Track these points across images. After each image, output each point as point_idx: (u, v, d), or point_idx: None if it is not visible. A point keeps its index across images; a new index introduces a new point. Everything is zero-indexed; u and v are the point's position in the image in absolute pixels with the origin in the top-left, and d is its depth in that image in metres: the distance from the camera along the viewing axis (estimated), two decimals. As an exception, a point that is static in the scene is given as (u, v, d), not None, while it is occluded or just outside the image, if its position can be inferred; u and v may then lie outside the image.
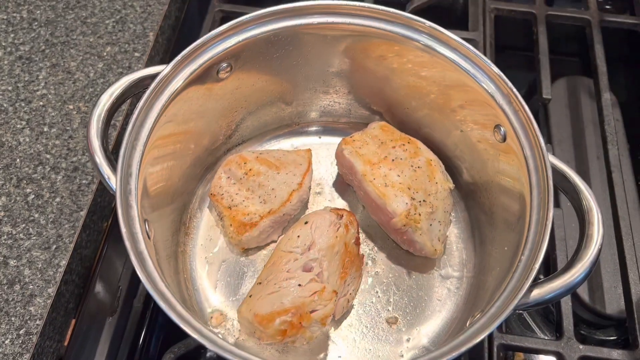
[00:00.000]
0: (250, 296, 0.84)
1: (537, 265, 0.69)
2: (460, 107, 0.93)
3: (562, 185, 0.81)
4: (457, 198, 1.04)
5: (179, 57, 0.83)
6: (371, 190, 0.93)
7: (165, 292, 0.68)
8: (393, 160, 0.96)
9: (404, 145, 0.98)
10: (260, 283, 0.85)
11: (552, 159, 0.79)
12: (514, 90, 0.83)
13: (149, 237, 0.75)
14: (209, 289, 0.95)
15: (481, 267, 0.94)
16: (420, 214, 0.91)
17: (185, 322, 0.66)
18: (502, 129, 0.85)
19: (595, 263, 0.72)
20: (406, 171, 0.95)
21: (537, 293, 0.70)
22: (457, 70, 0.90)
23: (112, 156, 0.80)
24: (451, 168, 1.03)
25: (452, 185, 0.97)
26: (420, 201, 0.93)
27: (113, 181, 0.76)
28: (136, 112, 0.78)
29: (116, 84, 0.82)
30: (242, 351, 0.68)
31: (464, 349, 0.65)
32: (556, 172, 0.80)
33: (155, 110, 0.81)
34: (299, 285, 0.83)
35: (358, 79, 1.05)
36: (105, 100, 0.81)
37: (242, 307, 0.83)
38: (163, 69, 0.82)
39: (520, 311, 0.91)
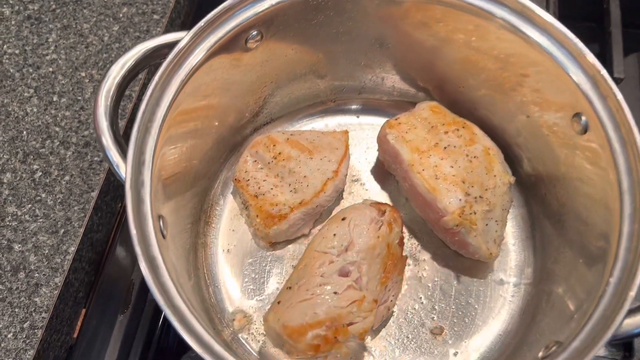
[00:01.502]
0: (278, 303, 0.74)
1: (632, 293, 0.56)
2: (530, 89, 0.79)
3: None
4: (514, 191, 0.90)
5: (201, 24, 0.70)
6: (419, 184, 0.81)
7: (181, 307, 0.57)
8: (445, 148, 0.83)
9: (457, 130, 0.85)
10: (290, 288, 0.75)
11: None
12: (603, 71, 0.68)
13: (163, 236, 0.64)
14: (232, 286, 0.85)
15: (543, 275, 0.82)
16: (475, 213, 0.79)
17: (205, 349, 0.55)
18: (582, 118, 0.71)
19: None
20: (460, 161, 0.82)
21: (629, 323, 0.58)
22: (527, 43, 0.75)
23: (122, 139, 0.68)
24: (510, 157, 0.89)
25: (512, 179, 0.84)
26: (476, 197, 0.80)
27: (123, 169, 0.64)
28: (150, 88, 0.66)
29: (128, 53, 0.70)
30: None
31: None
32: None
33: (174, 86, 0.69)
34: (335, 293, 0.72)
35: (405, 51, 0.91)
36: (116, 72, 0.70)
37: (270, 316, 0.73)
38: (183, 37, 0.69)
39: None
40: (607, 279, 0.60)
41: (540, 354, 0.64)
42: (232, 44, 0.75)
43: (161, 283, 0.58)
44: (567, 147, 0.77)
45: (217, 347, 0.56)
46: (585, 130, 0.71)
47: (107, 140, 0.66)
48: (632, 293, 0.57)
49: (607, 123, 0.68)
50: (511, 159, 0.89)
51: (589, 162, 0.72)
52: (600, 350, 0.88)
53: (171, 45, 0.70)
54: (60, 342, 0.90)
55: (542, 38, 0.73)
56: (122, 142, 0.68)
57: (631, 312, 0.59)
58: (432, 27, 0.83)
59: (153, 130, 0.66)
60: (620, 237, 0.61)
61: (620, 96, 0.67)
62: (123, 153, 0.66)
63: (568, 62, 0.72)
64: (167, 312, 0.55)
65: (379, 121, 0.96)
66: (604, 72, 0.68)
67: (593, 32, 1.15)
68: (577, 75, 0.71)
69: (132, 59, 0.70)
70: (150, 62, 0.73)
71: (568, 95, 0.72)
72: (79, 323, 0.93)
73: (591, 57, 0.70)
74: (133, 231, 0.58)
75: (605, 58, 1.07)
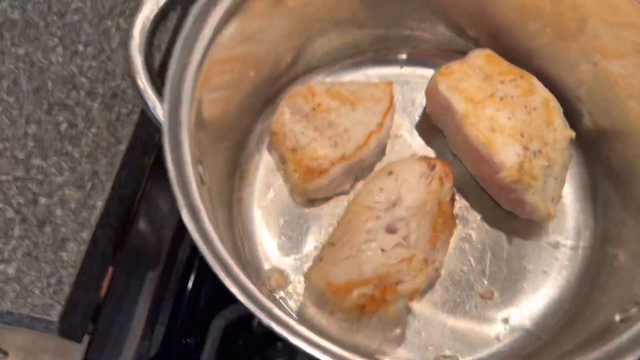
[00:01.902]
0: (321, 260, 0.69)
1: None
2: (600, 34, 0.72)
3: None
4: (572, 149, 0.84)
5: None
6: (473, 136, 0.75)
7: (225, 257, 0.52)
8: (502, 98, 0.77)
9: (515, 80, 0.78)
10: (333, 244, 0.70)
11: None
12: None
13: (202, 183, 0.59)
14: (268, 243, 0.80)
15: (605, 238, 0.76)
16: (534, 169, 0.73)
17: (254, 302, 0.51)
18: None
19: None
20: (518, 113, 0.75)
21: None
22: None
23: (158, 80, 0.63)
24: (568, 112, 0.81)
25: (573, 134, 0.77)
26: (535, 152, 0.74)
27: (159, 111, 0.59)
28: (190, 20, 0.60)
29: (163, -14, 0.64)
30: (313, 334, 0.53)
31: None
32: None
33: (213, 21, 0.63)
34: (382, 250, 0.67)
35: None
36: (150, 8, 0.64)
37: (313, 273, 0.68)
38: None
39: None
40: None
41: (617, 317, 0.58)
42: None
43: (203, 230, 0.53)
44: (641, 98, 0.70)
45: (262, 298, 0.51)
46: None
47: (142, 79, 0.61)
48: None
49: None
50: (570, 115, 0.81)
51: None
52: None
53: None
54: (88, 301, 0.86)
55: None
56: (157, 82, 0.62)
57: None
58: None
59: (191, 68, 0.60)
60: None
61: None
62: (159, 94, 0.61)
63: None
64: (210, 260, 0.51)
65: (424, 72, 0.90)
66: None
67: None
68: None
69: (166, -7, 0.64)
70: (186, -2, 0.67)
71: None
72: (107, 282, 0.90)
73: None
74: (172, 174, 0.53)
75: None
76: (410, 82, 0.91)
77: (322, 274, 0.66)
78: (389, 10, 0.87)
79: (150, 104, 0.60)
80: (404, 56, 0.93)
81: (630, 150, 0.74)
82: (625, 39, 0.71)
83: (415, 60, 0.93)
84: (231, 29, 0.69)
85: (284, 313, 0.54)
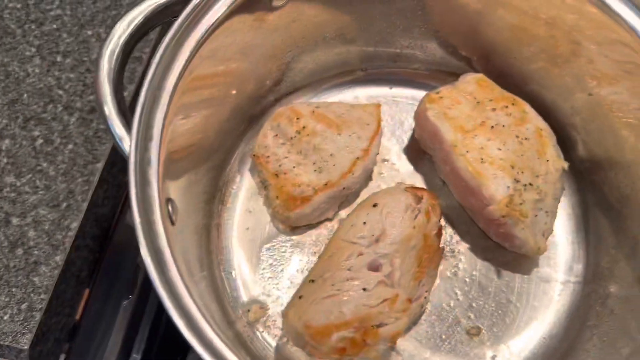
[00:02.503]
0: (300, 297, 0.66)
1: None
2: (589, 61, 0.68)
3: None
4: (565, 178, 0.81)
5: (220, -25, 0.60)
6: (462, 167, 0.71)
7: (190, 308, 0.49)
8: (492, 127, 0.73)
9: (507, 107, 0.75)
10: (313, 281, 0.66)
11: None
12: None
13: (172, 223, 0.55)
14: (248, 272, 0.77)
15: (597, 273, 0.73)
16: (525, 202, 0.70)
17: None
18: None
19: None
20: (509, 143, 0.72)
21: None
22: (599, 7, 0.65)
23: (127, 109, 0.59)
24: (562, 140, 0.79)
25: (565, 165, 0.74)
26: (525, 185, 0.70)
27: (127, 144, 0.56)
28: (160, 50, 0.57)
29: (137, 8, 0.61)
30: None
31: None
32: None
33: (187, 48, 0.59)
34: (364, 289, 0.64)
35: (448, 14, 0.80)
36: (122, 30, 0.60)
37: (290, 312, 0.65)
38: (198, -9, 0.59)
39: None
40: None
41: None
42: (255, 1, 0.65)
43: (167, 280, 0.50)
44: (636, 130, 0.66)
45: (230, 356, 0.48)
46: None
47: (110, 109, 0.57)
48: None
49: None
50: (564, 142, 0.79)
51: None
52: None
53: (185, 1, 0.60)
54: (62, 325, 0.83)
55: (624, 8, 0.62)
56: (127, 111, 0.59)
57: None
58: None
59: (163, 99, 0.57)
60: None
61: None
62: (128, 124, 0.57)
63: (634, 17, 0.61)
64: (173, 314, 0.47)
65: (414, 94, 0.86)
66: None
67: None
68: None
69: (140, 15, 0.61)
70: (162, 19, 0.64)
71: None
72: (82, 304, 0.87)
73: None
74: (137, 219, 0.50)
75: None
76: (400, 104, 0.88)
77: (300, 314, 0.63)
78: (378, 27, 0.83)
79: (117, 136, 0.56)
80: (393, 76, 0.89)
81: (624, 182, 0.71)
82: (616, 59, 0.67)
83: (405, 80, 0.89)
84: (210, 47, 0.65)
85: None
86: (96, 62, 0.58)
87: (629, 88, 0.68)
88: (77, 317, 0.85)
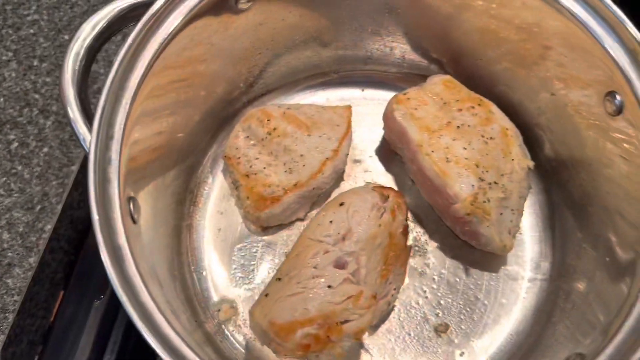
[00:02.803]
0: (266, 295, 0.66)
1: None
2: (557, 64, 0.70)
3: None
4: (532, 177, 0.82)
5: (182, -22, 0.61)
6: (428, 166, 0.73)
7: (147, 305, 0.50)
8: (458, 127, 0.74)
9: (473, 107, 0.76)
10: (279, 279, 0.67)
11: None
12: (646, 43, 0.59)
13: (134, 221, 0.56)
14: (218, 273, 0.78)
15: (562, 271, 0.74)
16: (489, 200, 0.71)
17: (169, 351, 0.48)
18: (617, 97, 0.62)
19: None
20: (475, 143, 0.73)
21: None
22: (556, 10, 0.66)
23: (91, 110, 0.60)
24: (529, 139, 0.80)
25: (531, 164, 0.76)
26: (490, 183, 0.72)
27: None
28: (121, 53, 0.58)
29: (100, 12, 0.62)
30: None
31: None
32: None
33: (150, 51, 0.60)
34: (329, 286, 0.65)
35: (418, 16, 0.82)
36: (86, 33, 0.61)
37: (256, 310, 0.65)
38: (160, -6, 0.60)
39: None
40: (641, 284, 0.52)
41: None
42: (220, 4, 0.67)
43: (125, 276, 0.50)
44: (597, 130, 0.68)
45: (186, 349, 0.49)
46: (619, 110, 0.62)
47: (74, 110, 0.58)
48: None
49: (646, 103, 0.59)
50: (531, 142, 0.80)
51: (622, 147, 0.63)
52: None
53: (147, 4, 0.61)
54: (36, 327, 0.83)
55: (575, 4, 0.64)
56: (91, 112, 0.59)
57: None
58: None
59: (124, 100, 0.58)
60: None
61: (665, 73, 0.58)
62: (91, 128, 0.58)
63: (604, 32, 0.62)
64: (128, 309, 0.48)
65: (385, 96, 0.87)
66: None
67: None
68: (614, 49, 0.61)
69: (104, 19, 0.62)
70: (126, 23, 0.65)
71: (602, 70, 0.63)
72: (57, 306, 0.87)
73: (632, 29, 0.60)
74: (95, 216, 0.51)
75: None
76: (372, 105, 0.89)
77: (265, 312, 0.64)
78: (348, 30, 0.85)
79: (81, 136, 0.57)
80: (365, 78, 0.90)
81: (586, 180, 0.73)
82: (586, 68, 0.69)
83: (377, 82, 0.91)
84: (175, 49, 0.66)
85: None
86: (61, 65, 0.59)
87: (599, 93, 0.69)
88: (52, 319, 0.86)
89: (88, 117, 0.59)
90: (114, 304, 0.82)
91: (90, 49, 0.60)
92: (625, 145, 0.63)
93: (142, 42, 0.60)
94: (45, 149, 0.89)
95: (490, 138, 0.74)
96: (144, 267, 0.54)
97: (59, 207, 0.85)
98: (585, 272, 0.70)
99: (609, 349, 0.50)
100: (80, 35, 0.60)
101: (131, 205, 0.56)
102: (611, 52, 0.62)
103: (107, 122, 0.56)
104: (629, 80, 0.60)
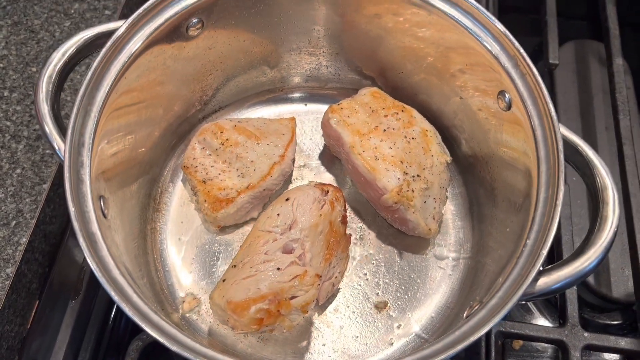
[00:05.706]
0: (223, 281, 0.76)
1: (544, 251, 0.61)
2: (461, 71, 0.83)
3: (573, 159, 0.72)
4: (454, 172, 0.95)
5: (139, 11, 0.73)
6: (360, 164, 0.84)
7: (119, 280, 0.59)
8: (385, 130, 0.87)
9: (397, 113, 0.89)
10: (235, 266, 0.77)
11: (563, 130, 0.70)
12: (522, 51, 0.73)
13: (104, 216, 0.66)
14: (182, 270, 0.87)
15: (480, 248, 0.86)
16: (413, 190, 0.83)
17: (141, 317, 0.58)
18: (506, 95, 0.76)
19: (610, 248, 0.64)
20: (399, 142, 0.86)
21: (543, 282, 0.62)
22: (457, 28, 0.80)
23: (64, 124, 0.70)
24: (449, 139, 0.94)
25: (449, 159, 0.88)
26: (413, 176, 0.84)
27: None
28: (89, 74, 0.68)
29: (70, 41, 0.72)
30: (207, 349, 0.60)
31: (460, 346, 0.57)
32: (567, 144, 0.71)
33: (112, 73, 0.71)
34: (278, 269, 0.75)
35: (348, 39, 0.95)
36: (57, 59, 0.71)
37: (215, 293, 0.75)
38: (120, 26, 0.71)
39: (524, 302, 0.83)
40: (525, 240, 0.64)
41: (465, 314, 0.68)
42: (172, 32, 0.78)
43: (99, 257, 0.60)
44: (496, 124, 0.81)
45: (167, 327, 0.58)
46: (509, 106, 0.76)
47: (49, 124, 0.67)
48: (545, 252, 0.61)
49: (527, 99, 0.72)
50: (450, 141, 0.94)
51: (514, 135, 0.77)
52: (540, 319, 0.94)
53: (110, 34, 0.72)
54: (14, 333, 0.90)
55: (454, 11, 0.78)
56: (63, 126, 0.69)
57: (546, 271, 0.63)
58: (383, 17, 0.87)
59: (93, 114, 0.68)
60: (537, 203, 0.66)
61: (537, 74, 0.72)
62: (65, 137, 0.68)
63: (492, 42, 0.76)
64: (106, 286, 0.57)
65: (326, 108, 1.00)
66: (520, 49, 0.73)
67: (536, 25, 1.22)
68: (500, 56, 0.75)
69: (73, 47, 0.72)
70: (92, 50, 0.75)
71: (493, 75, 0.77)
72: (32, 313, 0.94)
73: (512, 39, 0.74)
74: (71, 208, 0.60)
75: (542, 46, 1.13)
76: (314, 117, 1.01)
77: (222, 294, 0.73)
78: (287, 52, 0.97)
79: (56, 147, 0.67)
80: (307, 94, 1.03)
81: (491, 173, 0.86)
82: (482, 72, 0.82)
83: (318, 97, 1.03)
84: (134, 74, 0.76)
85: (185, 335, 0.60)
86: (35, 86, 0.69)
87: (493, 92, 0.82)
88: (28, 325, 0.93)
89: (61, 131, 0.68)
90: (88, 304, 0.90)
91: (62, 72, 0.70)
92: (514, 134, 0.76)
93: (107, 65, 0.70)
94: (18, 170, 0.97)
95: (412, 138, 0.87)
96: (114, 253, 0.63)
97: (33, 222, 0.93)
98: (494, 247, 0.82)
99: (500, 292, 0.62)
100: (52, 61, 0.70)
101: (102, 202, 0.66)
102: (499, 58, 0.76)
103: (78, 132, 0.66)
104: (512, 80, 0.74)
